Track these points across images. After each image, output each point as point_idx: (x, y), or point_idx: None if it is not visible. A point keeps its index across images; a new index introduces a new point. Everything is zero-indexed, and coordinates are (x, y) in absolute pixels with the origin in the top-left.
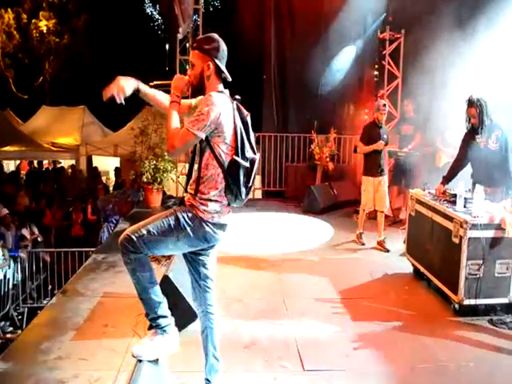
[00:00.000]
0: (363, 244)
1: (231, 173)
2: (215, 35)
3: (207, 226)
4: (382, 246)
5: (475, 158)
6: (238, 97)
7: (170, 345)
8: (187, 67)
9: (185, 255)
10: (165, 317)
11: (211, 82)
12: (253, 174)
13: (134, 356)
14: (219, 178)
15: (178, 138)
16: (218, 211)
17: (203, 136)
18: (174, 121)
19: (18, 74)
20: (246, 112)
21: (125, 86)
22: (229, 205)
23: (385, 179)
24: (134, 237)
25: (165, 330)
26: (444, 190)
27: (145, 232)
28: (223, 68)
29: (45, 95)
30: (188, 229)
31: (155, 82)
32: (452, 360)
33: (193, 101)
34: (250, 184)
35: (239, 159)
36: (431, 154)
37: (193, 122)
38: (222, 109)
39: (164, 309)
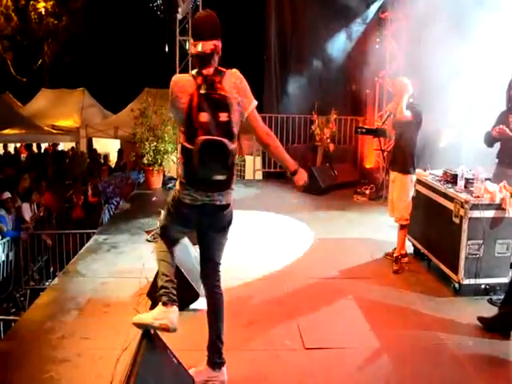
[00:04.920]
0: (398, 270)
1: (184, 156)
2: (196, 15)
3: (182, 205)
4: (389, 256)
5: (503, 138)
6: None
7: (169, 315)
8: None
9: (197, 236)
10: (165, 288)
11: (194, 64)
12: (207, 158)
13: (134, 324)
14: (181, 161)
15: None
16: (186, 193)
17: (170, 115)
18: None
19: (16, 57)
20: (220, 91)
21: None
22: (200, 190)
23: (400, 176)
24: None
25: (164, 302)
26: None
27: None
28: (192, 46)
29: (44, 77)
30: (171, 208)
31: None
32: (451, 339)
33: None
34: (212, 168)
35: (185, 143)
36: (433, 134)
37: None
38: (176, 88)
39: (167, 282)
